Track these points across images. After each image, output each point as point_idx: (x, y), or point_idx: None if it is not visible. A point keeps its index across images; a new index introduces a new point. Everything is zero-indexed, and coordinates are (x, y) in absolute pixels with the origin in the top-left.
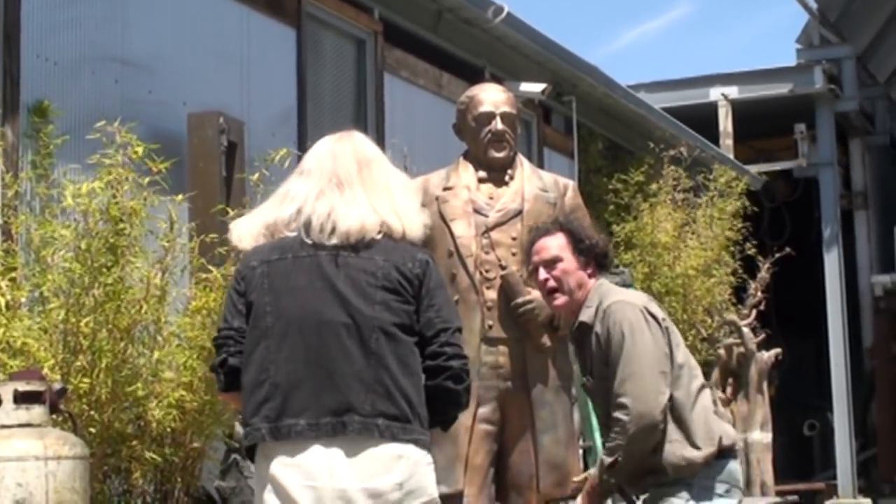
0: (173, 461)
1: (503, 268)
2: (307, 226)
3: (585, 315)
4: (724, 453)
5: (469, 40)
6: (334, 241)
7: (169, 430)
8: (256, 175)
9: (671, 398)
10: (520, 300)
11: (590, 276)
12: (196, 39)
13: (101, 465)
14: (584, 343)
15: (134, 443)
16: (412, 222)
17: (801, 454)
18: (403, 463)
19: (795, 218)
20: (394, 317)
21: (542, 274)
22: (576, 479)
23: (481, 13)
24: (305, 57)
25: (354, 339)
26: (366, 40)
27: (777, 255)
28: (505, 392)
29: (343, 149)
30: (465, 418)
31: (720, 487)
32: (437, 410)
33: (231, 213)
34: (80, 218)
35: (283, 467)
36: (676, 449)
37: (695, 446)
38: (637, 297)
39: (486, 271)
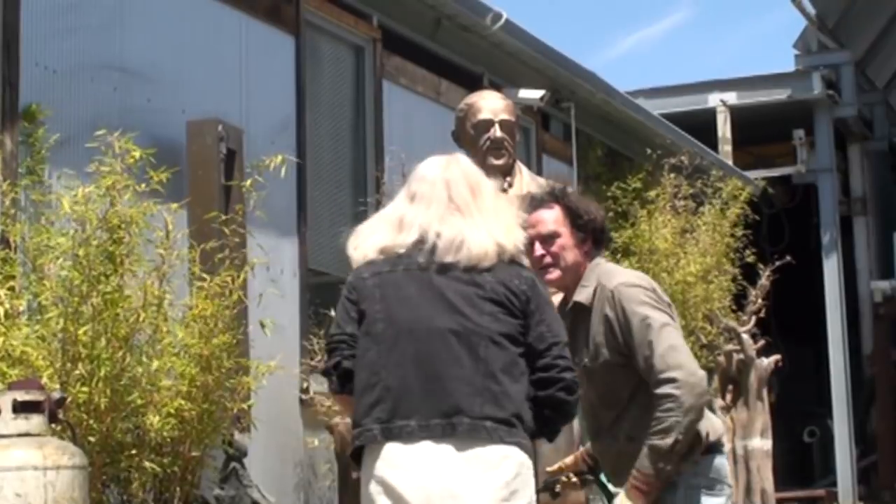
0: (172, 470)
1: None
2: (432, 249)
3: (582, 295)
4: (710, 449)
5: (467, 47)
6: (448, 259)
7: (168, 439)
8: (249, 181)
9: None
10: None
11: (586, 253)
12: (195, 47)
13: (100, 475)
14: (578, 324)
15: (133, 452)
16: (519, 243)
17: (801, 461)
18: (509, 463)
19: (794, 224)
20: (501, 327)
21: (539, 249)
22: (549, 468)
23: (480, 20)
24: (304, 64)
25: (464, 346)
26: (364, 47)
27: (777, 264)
28: None
29: (455, 175)
30: None
31: (706, 484)
32: (547, 420)
33: (223, 217)
34: (78, 226)
35: (394, 467)
36: None
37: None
38: (643, 279)
39: None
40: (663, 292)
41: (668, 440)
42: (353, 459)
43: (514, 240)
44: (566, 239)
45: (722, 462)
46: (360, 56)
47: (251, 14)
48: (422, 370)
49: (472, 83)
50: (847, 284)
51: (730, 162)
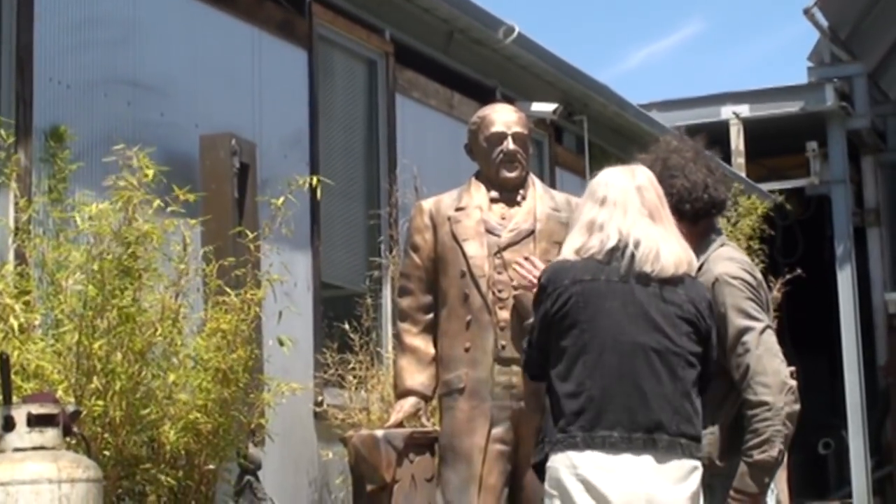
0: (187, 483)
1: (516, 288)
2: (630, 256)
3: None
4: None
5: (480, 60)
6: (650, 270)
7: (183, 452)
8: (281, 199)
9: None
10: (532, 320)
11: (700, 233)
12: (208, 61)
13: (115, 488)
14: None
15: (148, 465)
16: (694, 257)
17: (816, 473)
18: (696, 475)
19: (808, 236)
20: (694, 347)
21: None
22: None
23: (492, 33)
24: (317, 78)
25: (664, 365)
26: (377, 61)
27: (788, 276)
28: (518, 412)
29: (644, 183)
30: (478, 439)
31: None
32: None
33: (250, 235)
34: (93, 240)
35: (598, 470)
36: (708, 443)
37: (715, 448)
38: (747, 272)
39: (499, 291)
40: (764, 285)
41: (774, 452)
42: (536, 467)
43: (694, 258)
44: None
45: None
46: (372, 70)
47: (264, 28)
48: (625, 384)
49: (485, 96)
50: (861, 296)
51: (743, 174)
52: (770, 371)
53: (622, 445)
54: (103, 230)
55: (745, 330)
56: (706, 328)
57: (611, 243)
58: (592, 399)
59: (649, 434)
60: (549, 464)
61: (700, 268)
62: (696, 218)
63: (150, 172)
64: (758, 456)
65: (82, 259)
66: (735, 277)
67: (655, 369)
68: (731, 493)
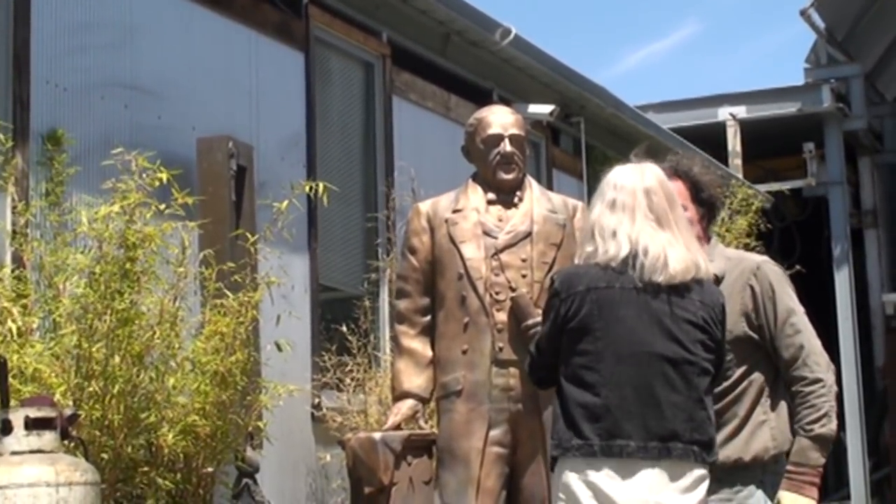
0: (185, 487)
1: (513, 290)
2: (640, 265)
3: (714, 267)
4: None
5: (477, 63)
6: (660, 279)
7: (181, 455)
8: (285, 203)
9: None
10: (530, 322)
11: (703, 229)
12: (205, 64)
13: (113, 492)
14: None
15: (146, 469)
16: (701, 260)
17: None
18: (704, 485)
19: (805, 237)
20: (707, 354)
21: None
22: None
23: (489, 36)
24: (314, 80)
25: (679, 373)
26: (374, 63)
27: (788, 273)
28: (516, 414)
29: (652, 185)
30: (476, 441)
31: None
32: None
33: (250, 238)
34: (95, 243)
35: (608, 478)
36: (767, 433)
37: (784, 434)
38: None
39: (496, 293)
40: None
41: (833, 426)
42: (551, 462)
43: (703, 257)
44: (689, 213)
45: None
46: (369, 72)
47: (260, 30)
48: (640, 393)
49: (482, 98)
50: (858, 297)
51: (740, 175)
52: (818, 351)
53: (638, 454)
54: (109, 234)
55: (793, 311)
56: (719, 333)
57: (623, 252)
58: (610, 408)
59: (664, 443)
60: (560, 469)
61: (724, 263)
62: (702, 206)
63: (163, 176)
64: (819, 430)
65: (86, 262)
66: (776, 265)
67: (670, 378)
68: (790, 467)
